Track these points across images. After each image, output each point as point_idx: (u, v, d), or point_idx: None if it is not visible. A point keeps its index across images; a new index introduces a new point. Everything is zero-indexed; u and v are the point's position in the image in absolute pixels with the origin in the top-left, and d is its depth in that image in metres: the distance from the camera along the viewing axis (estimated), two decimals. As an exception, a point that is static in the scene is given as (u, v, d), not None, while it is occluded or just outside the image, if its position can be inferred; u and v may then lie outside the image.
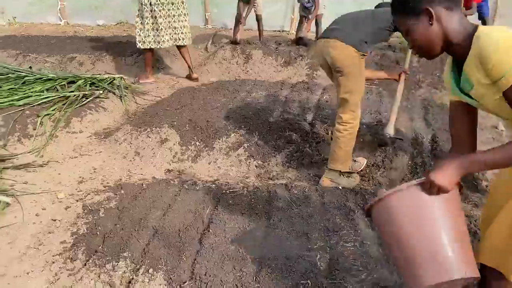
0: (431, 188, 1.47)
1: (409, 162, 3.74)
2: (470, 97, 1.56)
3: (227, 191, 3.28)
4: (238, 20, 7.60)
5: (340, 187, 3.46)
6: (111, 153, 4.03)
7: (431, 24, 1.52)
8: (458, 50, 1.54)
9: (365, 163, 3.77)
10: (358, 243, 2.68)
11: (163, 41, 5.65)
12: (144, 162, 3.95)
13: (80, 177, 3.60)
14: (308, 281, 2.33)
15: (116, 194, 3.23)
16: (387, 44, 6.49)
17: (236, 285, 2.30)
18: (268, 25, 7.91)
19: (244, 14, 7.36)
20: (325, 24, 7.45)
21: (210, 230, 2.77)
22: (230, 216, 2.94)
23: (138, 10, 5.60)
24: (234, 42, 7.08)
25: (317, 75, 6.11)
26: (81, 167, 3.72)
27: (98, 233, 2.75)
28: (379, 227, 1.64)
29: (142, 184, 3.40)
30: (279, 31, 8.59)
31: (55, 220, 2.91)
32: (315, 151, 3.95)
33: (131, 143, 4.11)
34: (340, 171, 3.50)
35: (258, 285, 2.30)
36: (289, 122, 4.30)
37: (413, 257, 1.49)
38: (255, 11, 7.47)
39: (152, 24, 5.58)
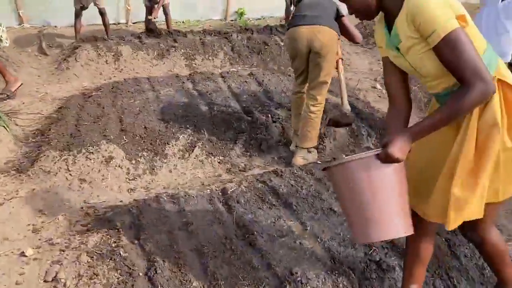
0: (386, 159, 1.62)
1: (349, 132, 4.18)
2: (397, 51, 1.72)
3: (230, 191, 3.13)
4: (77, 15, 6.80)
5: (309, 162, 3.68)
6: (48, 187, 3.31)
7: None
8: (391, 8, 1.70)
9: None
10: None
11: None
12: (96, 188, 3.39)
13: (29, 225, 2.89)
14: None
15: (98, 232, 2.71)
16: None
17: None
18: (98, 17, 7.12)
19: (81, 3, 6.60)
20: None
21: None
22: (276, 212, 2.86)
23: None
24: (82, 40, 6.32)
25: (197, 64, 6.02)
26: (16, 216, 2.98)
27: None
28: (336, 187, 1.84)
29: (130, 210, 2.94)
30: (115, 24, 7.96)
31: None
32: (267, 135, 4.02)
33: (69, 171, 3.44)
34: (307, 148, 3.71)
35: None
36: (226, 113, 4.23)
37: (364, 217, 1.71)
38: (96, 5, 6.78)
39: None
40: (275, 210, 2.98)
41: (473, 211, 1.73)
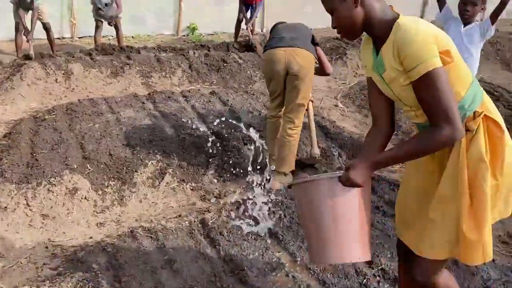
0: (346, 183, 1.64)
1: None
2: (382, 78, 1.70)
3: (210, 222, 2.97)
4: (17, 29, 6.36)
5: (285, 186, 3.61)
6: (6, 225, 2.99)
7: (356, 7, 1.62)
8: (377, 34, 1.66)
9: None
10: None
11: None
12: (61, 224, 3.10)
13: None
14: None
15: (71, 276, 2.45)
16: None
17: None
18: (41, 32, 6.65)
19: (25, 23, 6.20)
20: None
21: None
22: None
23: None
24: (27, 57, 5.87)
25: (154, 82, 5.78)
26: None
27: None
28: (298, 205, 1.86)
29: (105, 248, 2.71)
30: (59, 38, 7.51)
31: None
32: (240, 159, 3.90)
33: (29, 206, 3.12)
34: (284, 172, 3.64)
35: None
36: (194, 135, 4.05)
37: (322, 238, 1.71)
38: (40, 19, 6.38)
39: None
40: (260, 241, 2.87)
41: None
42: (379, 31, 1.65)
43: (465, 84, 1.65)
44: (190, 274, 2.55)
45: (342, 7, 1.64)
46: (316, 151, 3.76)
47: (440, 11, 3.87)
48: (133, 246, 2.74)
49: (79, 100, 4.78)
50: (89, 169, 3.47)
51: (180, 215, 3.13)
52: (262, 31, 8.61)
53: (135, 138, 3.91)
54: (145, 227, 2.94)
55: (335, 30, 1.72)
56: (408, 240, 1.82)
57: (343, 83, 6.27)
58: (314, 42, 3.61)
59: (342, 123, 4.90)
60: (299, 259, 2.69)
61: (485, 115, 1.65)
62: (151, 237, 2.85)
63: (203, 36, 8.18)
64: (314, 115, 4.08)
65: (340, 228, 1.68)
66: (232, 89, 5.59)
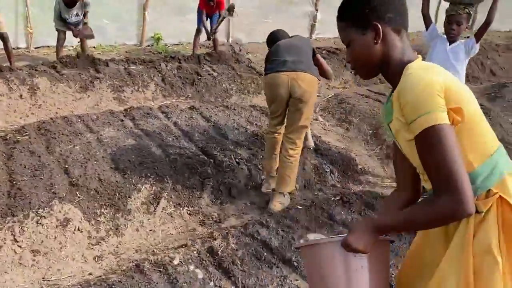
0: (346, 248, 1.42)
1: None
2: (390, 129, 1.47)
3: (220, 251, 2.83)
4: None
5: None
6: (-8, 266, 2.69)
7: (376, 43, 1.41)
8: (391, 78, 1.44)
9: None
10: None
11: None
12: (55, 260, 2.84)
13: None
14: None
15: None
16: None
17: None
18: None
19: None
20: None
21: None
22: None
23: None
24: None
25: (126, 97, 5.51)
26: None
27: None
28: (305, 266, 1.82)
29: (112, 286, 2.49)
30: (14, 48, 6.98)
31: None
32: (235, 179, 3.78)
33: (16, 241, 2.83)
34: (283, 192, 3.57)
35: None
36: (185, 156, 3.88)
37: None
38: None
39: None
40: (275, 269, 2.76)
41: None
42: (393, 74, 1.41)
43: (482, 153, 1.35)
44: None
45: (360, 40, 1.42)
46: (311, 143, 3.93)
47: (427, 29, 3.96)
48: (143, 282, 2.55)
49: (51, 118, 4.45)
50: (79, 197, 3.22)
51: (186, 245, 2.95)
52: (227, 41, 8.49)
53: (124, 161, 3.68)
54: (152, 260, 2.75)
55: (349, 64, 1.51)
56: None
57: (317, 96, 6.28)
58: (314, 53, 3.58)
59: (326, 137, 4.90)
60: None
61: (500, 196, 1.33)
62: (160, 271, 2.66)
63: (169, 46, 7.93)
64: None
65: None
66: (210, 104, 5.45)
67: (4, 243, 2.80)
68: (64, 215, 3.05)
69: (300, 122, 3.45)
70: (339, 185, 4.12)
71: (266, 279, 2.66)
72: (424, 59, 1.50)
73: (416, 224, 1.39)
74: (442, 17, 3.84)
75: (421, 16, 3.88)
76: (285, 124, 3.57)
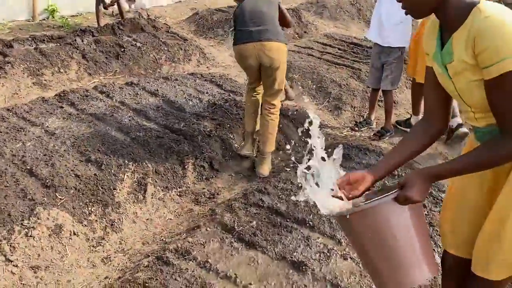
0: (406, 202, 1.47)
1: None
2: (445, 69, 1.51)
3: (237, 227, 2.78)
4: None
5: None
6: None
7: None
8: (450, 19, 1.44)
9: None
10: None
11: None
12: (60, 272, 2.54)
13: None
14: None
15: None
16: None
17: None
18: None
19: None
20: None
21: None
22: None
23: None
24: None
25: (48, 81, 4.88)
26: None
27: None
28: (354, 235, 1.65)
29: (146, 284, 2.33)
30: None
31: None
32: (212, 152, 3.66)
33: (11, 262, 2.46)
34: (267, 155, 3.60)
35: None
36: (153, 136, 3.62)
37: (392, 264, 1.57)
38: None
39: None
40: (295, 231, 2.80)
41: None
42: (453, 15, 1.41)
43: None
44: (256, 276, 2.40)
45: None
46: (291, 94, 4.25)
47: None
48: (175, 273, 2.42)
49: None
50: (61, 199, 2.86)
51: (198, 226, 2.83)
52: (129, 7, 7.90)
53: (92, 151, 3.33)
54: (171, 249, 2.60)
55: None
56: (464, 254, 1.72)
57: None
58: (279, 7, 3.54)
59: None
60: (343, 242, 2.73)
61: None
62: (185, 258, 2.55)
63: (66, 18, 7.13)
64: None
65: (408, 248, 1.55)
66: (146, 77, 5.12)
67: (-6, 262, 2.42)
68: (53, 221, 2.71)
69: (274, 87, 3.51)
70: (303, 143, 4.22)
71: (291, 244, 2.69)
72: None
73: (484, 164, 1.44)
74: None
75: None
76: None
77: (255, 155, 3.74)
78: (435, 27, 1.56)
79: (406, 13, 1.51)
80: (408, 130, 4.34)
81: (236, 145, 3.84)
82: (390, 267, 1.57)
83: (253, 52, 3.36)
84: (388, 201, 1.50)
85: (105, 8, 6.74)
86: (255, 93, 3.65)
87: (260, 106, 3.66)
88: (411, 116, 4.47)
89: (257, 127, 3.69)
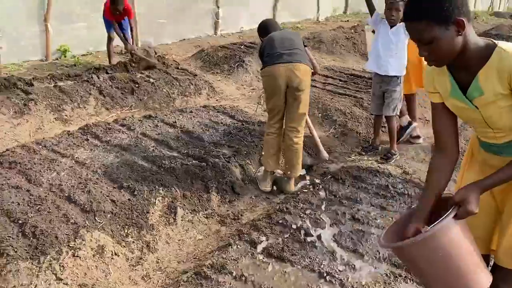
0: (465, 216, 1.65)
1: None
2: (469, 103, 1.70)
3: (267, 245, 3.00)
4: None
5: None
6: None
7: (460, 35, 1.57)
8: (470, 59, 1.64)
9: None
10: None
11: None
12: (106, 288, 2.73)
13: None
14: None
15: None
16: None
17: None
18: None
19: None
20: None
21: None
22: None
23: None
24: None
25: (68, 116, 5.15)
26: None
27: None
28: (415, 261, 1.72)
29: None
30: None
31: None
32: (233, 177, 3.90)
33: (61, 280, 2.64)
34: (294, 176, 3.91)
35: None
36: (178, 163, 3.87)
37: (452, 280, 1.69)
38: None
39: None
40: (320, 247, 3.02)
41: None
42: (474, 57, 1.64)
43: None
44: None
45: (445, 35, 1.57)
46: (325, 155, 4.26)
47: (371, 17, 4.51)
48: (214, 285, 2.62)
49: (8, 149, 4.03)
50: (100, 222, 3.07)
51: (229, 244, 3.05)
52: (137, 45, 8.26)
53: (122, 179, 3.56)
54: (208, 265, 2.81)
55: (423, 57, 1.67)
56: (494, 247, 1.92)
57: (252, 89, 6.58)
58: (304, 45, 3.86)
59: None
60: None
61: None
62: (221, 271, 2.75)
63: (78, 57, 7.47)
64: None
65: (469, 263, 1.68)
66: (160, 110, 5.41)
67: (49, 284, 2.61)
68: (96, 243, 2.91)
69: (299, 110, 3.74)
70: (314, 166, 4.49)
71: (317, 257, 2.91)
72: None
73: None
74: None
75: None
76: (284, 119, 3.85)
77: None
78: (442, 69, 1.74)
79: (430, 65, 1.70)
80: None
81: (253, 170, 4.10)
82: (459, 278, 1.67)
83: (284, 73, 3.57)
84: (450, 220, 1.62)
85: (126, 49, 7.02)
86: (276, 133, 3.82)
87: (280, 147, 3.88)
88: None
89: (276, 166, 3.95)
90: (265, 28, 3.95)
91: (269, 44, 3.73)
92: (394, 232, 1.84)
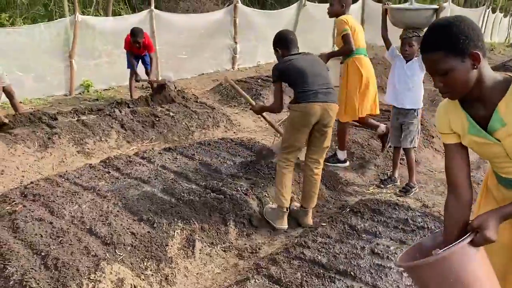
0: (485, 243, 1.62)
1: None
2: (490, 136, 1.70)
3: (284, 278, 2.99)
4: None
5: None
6: None
7: (475, 68, 1.61)
8: (486, 92, 1.66)
9: None
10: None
11: None
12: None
13: None
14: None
15: None
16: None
17: None
18: None
19: None
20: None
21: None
22: None
23: None
24: None
25: (90, 149, 5.28)
26: None
27: None
28: (426, 285, 1.71)
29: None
30: None
31: None
32: (250, 210, 3.92)
33: (80, 313, 2.67)
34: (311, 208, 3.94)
35: None
36: (196, 195, 3.92)
37: None
38: None
39: None
40: (338, 281, 2.99)
41: None
42: (490, 91, 1.66)
43: None
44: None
45: (460, 68, 1.60)
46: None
47: (388, 50, 4.59)
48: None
49: (32, 182, 4.14)
50: (119, 255, 3.11)
51: (247, 278, 3.04)
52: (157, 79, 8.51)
53: (142, 211, 3.62)
54: (226, 300, 2.81)
55: (438, 89, 1.70)
56: None
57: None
58: None
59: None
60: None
61: None
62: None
63: (100, 92, 7.71)
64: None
65: (490, 284, 1.65)
66: (179, 143, 5.50)
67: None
68: (115, 275, 2.94)
69: (324, 144, 3.82)
70: (333, 199, 4.49)
71: (334, 294, 2.88)
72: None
73: None
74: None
75: None
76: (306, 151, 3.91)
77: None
78: (455, 107, 1.76)
79: (444, 97, 1.73)
80: (338, 165, 5.12)
81: (271, 202, 4.11)
82: None
83: (319, 112, 3.60)
84: (464, 245, 1.59)
85: (144, 80, 7.28)
86: (292, 165, 3.82)
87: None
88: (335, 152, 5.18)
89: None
90: (285, 41, 3.79)
91: (299, 75, 3.61)
92: (414, 254, 1.82)
